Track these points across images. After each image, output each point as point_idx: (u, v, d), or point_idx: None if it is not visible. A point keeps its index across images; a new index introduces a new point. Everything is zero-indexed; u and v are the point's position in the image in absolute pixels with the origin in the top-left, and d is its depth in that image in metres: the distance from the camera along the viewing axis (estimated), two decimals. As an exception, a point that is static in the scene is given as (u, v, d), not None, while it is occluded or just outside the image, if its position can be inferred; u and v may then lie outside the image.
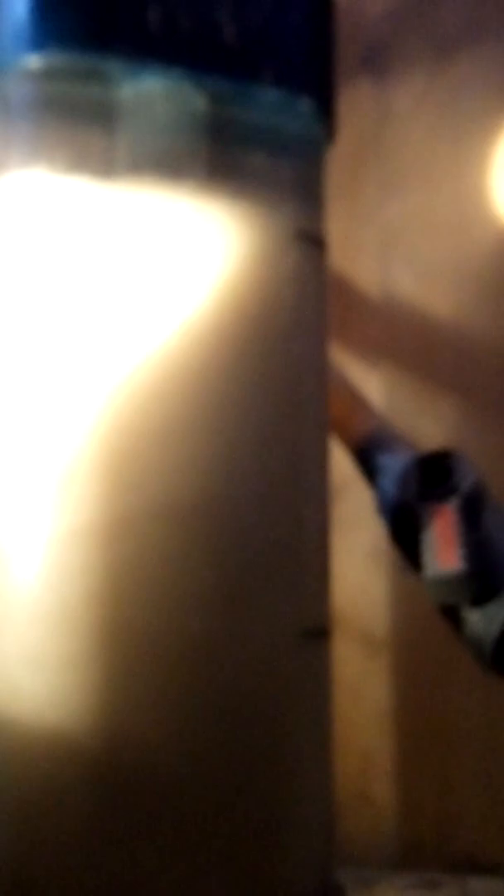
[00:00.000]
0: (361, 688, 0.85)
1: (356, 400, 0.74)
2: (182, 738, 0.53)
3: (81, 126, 0.56)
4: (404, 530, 0.63)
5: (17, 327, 0.55)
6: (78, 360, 0.54)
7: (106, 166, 0.55)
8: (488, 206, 0.85)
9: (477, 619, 0.60)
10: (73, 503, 0.53)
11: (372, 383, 0.85)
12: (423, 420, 0.84)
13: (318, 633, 0.60)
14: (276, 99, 0.59)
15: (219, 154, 0.57)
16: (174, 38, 0.55)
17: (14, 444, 0.55)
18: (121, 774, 0.52)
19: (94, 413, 0.54)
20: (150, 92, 0.55)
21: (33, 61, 0.55)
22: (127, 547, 0.53)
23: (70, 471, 0.53)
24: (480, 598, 0.60)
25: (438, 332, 0.86)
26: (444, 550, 0.60)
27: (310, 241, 0.60)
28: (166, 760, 0.53)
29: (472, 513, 0.61)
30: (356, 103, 0.87)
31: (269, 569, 0.57)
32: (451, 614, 0.62)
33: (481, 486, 0.63)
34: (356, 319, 0.87)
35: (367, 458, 0.69)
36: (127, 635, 0.53)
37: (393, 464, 0.66)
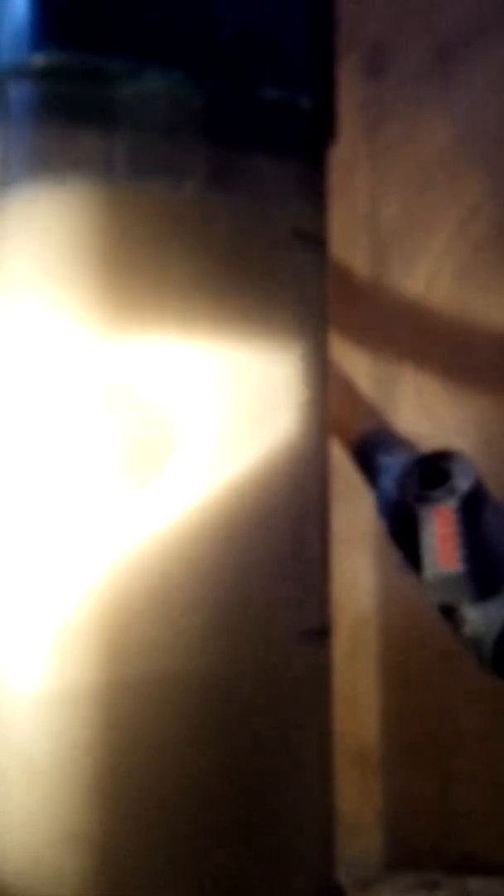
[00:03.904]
0: (361, 688, 0.85)
1: (356, 399, 0.74)
2: (182, 754, 0.54)
3: (81, 126, 0.56)
4: (404, 530, 0.63)
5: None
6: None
7: (105, 166, 0.55)
8: (488, 205, 0.85)
9: (476, 620, 0.60)
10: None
11: (370, 383, 0.85)
12: (423, 421, 0.84)
13: (318, 632, 0.60)
14: (275, 98, 0.59)
15: (218, 154, 0.57)
16: (174, 38, 0.55)
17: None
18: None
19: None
20: (150, 92, 0.55)
21: (33, 61, 0.55)
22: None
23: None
24: (480, 598, 0.60)
25: (437, 331, 0.86)
26: (443, 551, 0.60)
27: (310, 240, 0.60)
28: (168, 768, 0.53)
29: (472, 513, 0.61)
30: (356, 103, 0.87)
31: (270, 570, 0.57)
32: (450, 615, 0.62)
33: (481, 486, 0.63)
34: (355, 318, 0.87)
35: (366, 458, 0.69)
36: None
37: (393, 464, 0.66)
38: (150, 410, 0.54)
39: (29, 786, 0.52)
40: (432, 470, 0.64)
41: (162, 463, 0.54)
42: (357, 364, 0.85)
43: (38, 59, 0.55)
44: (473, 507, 0.61)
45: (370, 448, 0.69)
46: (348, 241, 0.87)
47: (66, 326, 0.54)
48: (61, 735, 0.52)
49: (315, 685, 0.60)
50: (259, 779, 0.56)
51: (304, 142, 0.61)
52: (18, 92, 0.56)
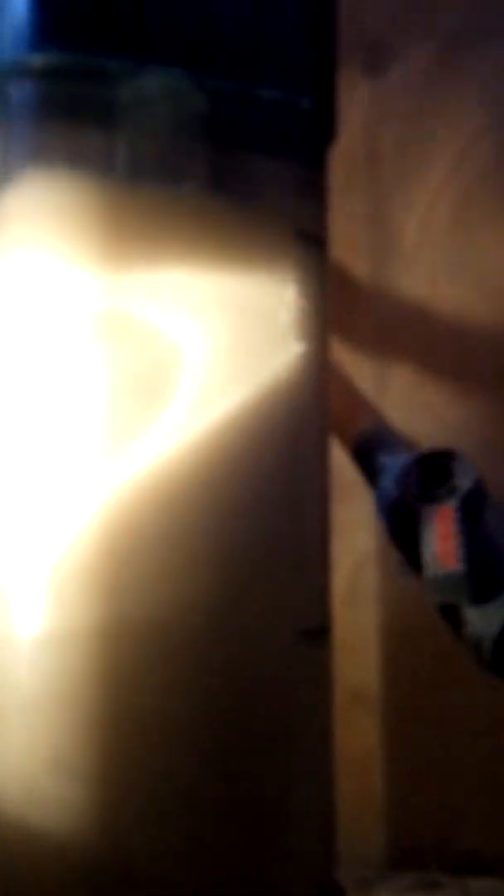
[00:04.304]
0: (361, 688, 0.85)
1: (356, 399, 0.74)
2: (182, 752, 0.54)
3: (81, 126, 0.56)
4: (403, 530, 0.63)
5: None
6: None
7: (106, 166, 0.55)
8: (487, 205, 0.85)
9: (476, 619, 0.60)
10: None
11: (370, 382, 0.85)
12: (423, 420, 0.84)
13: (318, 632, 0.60)
14: (276, 99, 0.59)
15: (219, 154, 0.57)
16: (174, 38, 0.56)
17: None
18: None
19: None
20: (150, 92, 0.56)
21: (33, 61, 0.55)
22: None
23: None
24: (480, 598, 0.60)
25: (438, 330, 0.86)
26: (443, 550, 0.59)
27: (310, 240, 0.60)
28: (168, 771, 0.53)
29: (472, 513, 0.61)
30: (356, 103, 0.87)
31: (270, 570, 0.57)
32: (449, 614, 0.62)
33: (481, 485, 0.63)
34: (355, 318, 0.87)
35: (366, 457, 0.69)
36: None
37: (392, 463, 0.66)
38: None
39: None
40: (433, 469, 0.64)
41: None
42: (357, 364, 0.85)
43: (39, 60, 0.55)
44: (474, 507, 0.61)
45: (370, 448, 0.69)
46: (349, 241, 0.87)
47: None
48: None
49: (315, 684, 0.60)
50: (257, 762, 0.56)
51: (304, 142, 0.61)
52: (19, 91, 0.56)
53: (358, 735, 0.85)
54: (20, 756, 0.53)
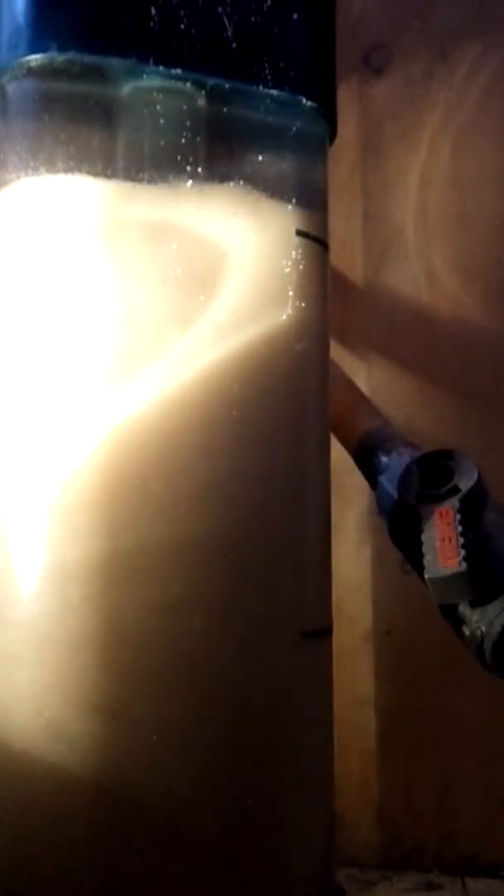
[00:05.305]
0: (361, 688, 0.85)
1: (356, 399, 0.74)
2: (183, 744, 0.53)
3: (81, 125, 0.56)
4: (404, 530, 0.63)
5: (15, 345, 0.55)
6: (79, 385, 0.54)
7: (106, 166, 0.55)
8: (488, 205, 0.85)
9: (477, 619, 0.60)
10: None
11: (371, 383, 0.85)
12: (423, 420, 0.84)
13: (318, 632, 0.60)
14: (276, 98, 0.59)
15: (219, 154, 0.57)
16: (174, 38, 0.55)
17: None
18: (123, 788, 0.53)
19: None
20: (151, 91, 0.56)
21: (33, 61, 0.55)
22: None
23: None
24: (481, 598, 0.60)
25: (438, 331, 0.86)
26: (444, 550, 0.59)
27: (311, 241, 0.60)
28: (167, 765, 0.53)
29: (473, 513, 0.61)
30: (356, 103, 0.87)
31: (270, 569, 0.57)
32: (450, 614, 0.62)
33: (482, 485, 0.62)
34: (353, 318, 0.87)
35: (367, 457, 0.69)
36: (127, 660, 0.53)
37: (393, 463, 0.66)
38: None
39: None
40: (433, 469, 0.64)
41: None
42: (355, 364, 0.85)
43: (39, 59, 0.55)
44: (475, 507, 0.61)
45: (371, 447, 0.69)
46: (350, 242, 0.87)
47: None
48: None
49: (315, 685, 0.60)
50: (258, 774, 0.56)
51: (305, 141, 0.62)
52: (18, 90, 0.56)
53: (358, 735, 0.84)
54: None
